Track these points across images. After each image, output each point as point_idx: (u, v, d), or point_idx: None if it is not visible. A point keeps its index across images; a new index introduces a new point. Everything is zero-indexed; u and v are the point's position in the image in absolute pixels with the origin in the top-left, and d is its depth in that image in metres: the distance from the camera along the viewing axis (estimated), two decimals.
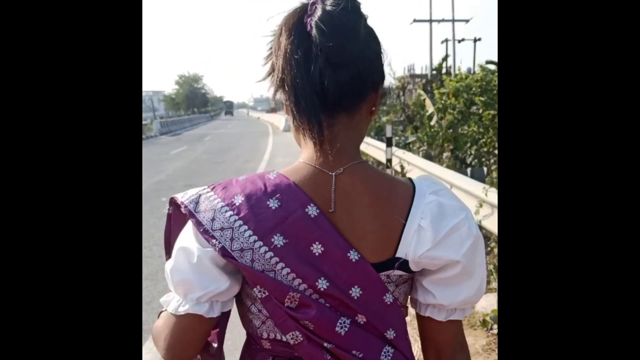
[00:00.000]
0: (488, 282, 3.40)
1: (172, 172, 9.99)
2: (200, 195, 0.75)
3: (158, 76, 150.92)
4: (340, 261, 0.72)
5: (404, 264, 0.74)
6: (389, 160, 6.58)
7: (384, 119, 14.20)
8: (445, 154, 5.85)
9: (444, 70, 16.66)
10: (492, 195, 3.34)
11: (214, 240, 0.71)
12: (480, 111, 7.98)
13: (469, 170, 4.64)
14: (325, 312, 0.72)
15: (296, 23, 0.71)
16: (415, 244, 0.73)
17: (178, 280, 0.74)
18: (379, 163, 7.47)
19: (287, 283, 0.72)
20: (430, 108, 10.43)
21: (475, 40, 24.88)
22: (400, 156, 6.34)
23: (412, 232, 0.73)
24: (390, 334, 0.76)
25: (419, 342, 0.86)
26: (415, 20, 22.31)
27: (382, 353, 0.76)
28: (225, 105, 71.58)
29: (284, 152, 12.65)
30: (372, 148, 8.47)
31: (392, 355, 0.76)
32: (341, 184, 0.73)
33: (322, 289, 0.72)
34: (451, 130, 7.55)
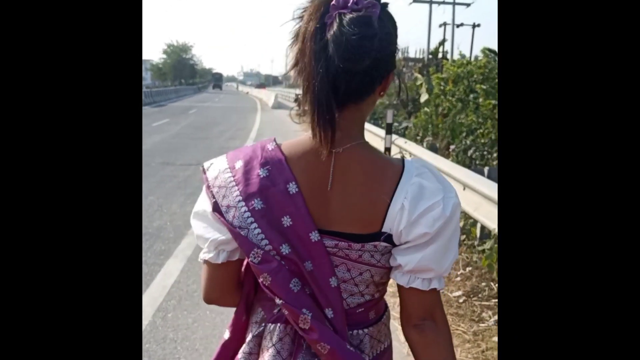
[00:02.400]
0: None
1: (149, 146, 9.29)
2: (217, 159, 0.89)
3: (146, 44, 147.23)
4: (302, 237, 0.82)
5: (388, 237, 0.82)
6: (388, 149, 5.93)
7: (378, 101, 13.68)
8: (452, 147, 5.21)
9: (440, 55, 16.15)
10: None
11: (210, 195, 0.85)
12: (480, 100, 7.47)
13: (486, 169, 4.03)
14: (282, 270, 0.82)
15: (320, 17, 0.77)
16: (397, 221, 0.80)
17: (197, 235, 0.88)
18: None
19: (256, 242, 0.82)
20: (426, 93, 9.90)
21: (474, 26, 24.28)
22: (401, 146, 5.63)
23: (396, 210, 0.80)
24: (329, 313, 0.84)
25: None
26: (414, 1, 21.57)
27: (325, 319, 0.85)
28: (213, 77, 66.50)
29: (272, 131, 12.02)
30: (367, 133, 7.85)
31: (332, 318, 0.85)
32: (339, 162, 0.82)
33: (284, 253, 0.82)
34: (448, 118, 7.04)
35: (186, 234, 4.22)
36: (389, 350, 0.95)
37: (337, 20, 0.74)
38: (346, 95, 0.78)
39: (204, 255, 0.88)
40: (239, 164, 0.84)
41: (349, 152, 0.81)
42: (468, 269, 3.52)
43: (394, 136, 6.12)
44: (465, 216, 3.90)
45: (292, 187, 0.81)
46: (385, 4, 0.79)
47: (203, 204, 0.86)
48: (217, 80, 63.51)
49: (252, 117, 17.66)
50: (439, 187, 0.81)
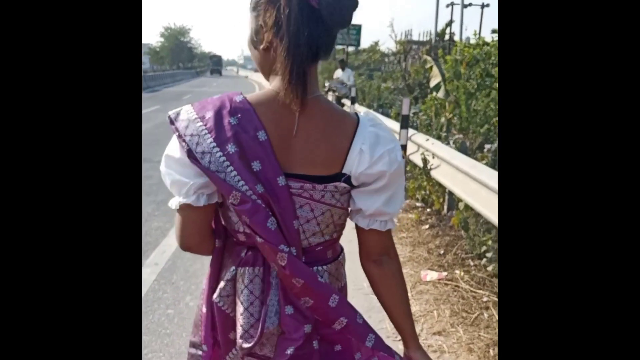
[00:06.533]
0: None
1: None
2: (182, 108, 0.93)
3: (144, 27, 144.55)
4: (270, 181, 0.89)
5: (347, 179, 0.93)
6: (404, 147, 4.80)
7: (383, 85, 12.70)
8: (487, 146, 4.20)
9: (447, 37, 15.18)
10: None
11: (183, 143, 0.89)
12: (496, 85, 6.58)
13: None
14: (260, 210, 0.88)
15: None
16: (357, 163, 0.91)
17: (171, 181, 0.92)
18: None
19: (234, 184, 0.88)
20: (437, 77, 8.97)
21: (483, 6, 23.12)
22: (422, 144, 4.50)
23: (355, 153, 0.91)
24: (293, 251, 0.92)
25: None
26: None
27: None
28: (211, 60, 57.71)
29: None
30: None
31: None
32: (303, 111, 0.89)
33: (259, 192, 0.88)
34: (462, 106, 6.14)
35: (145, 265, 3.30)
36: (344, 289, 1.09)
37: None
38: (317, 55, 0.89)
39: (184, 200, 0.91)
40: (209, 114, 0.89)
41: (311, 102, 0.89)
42: None
43: (411, 131, 5.03)
44: None
45: (262, 135, 0.88)
46: None
47: (177, 152, 0.90)
48: (215, 64, 55.69)
49: None
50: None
